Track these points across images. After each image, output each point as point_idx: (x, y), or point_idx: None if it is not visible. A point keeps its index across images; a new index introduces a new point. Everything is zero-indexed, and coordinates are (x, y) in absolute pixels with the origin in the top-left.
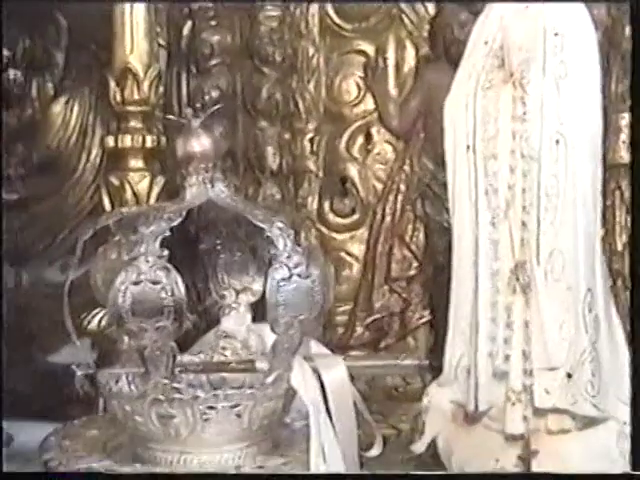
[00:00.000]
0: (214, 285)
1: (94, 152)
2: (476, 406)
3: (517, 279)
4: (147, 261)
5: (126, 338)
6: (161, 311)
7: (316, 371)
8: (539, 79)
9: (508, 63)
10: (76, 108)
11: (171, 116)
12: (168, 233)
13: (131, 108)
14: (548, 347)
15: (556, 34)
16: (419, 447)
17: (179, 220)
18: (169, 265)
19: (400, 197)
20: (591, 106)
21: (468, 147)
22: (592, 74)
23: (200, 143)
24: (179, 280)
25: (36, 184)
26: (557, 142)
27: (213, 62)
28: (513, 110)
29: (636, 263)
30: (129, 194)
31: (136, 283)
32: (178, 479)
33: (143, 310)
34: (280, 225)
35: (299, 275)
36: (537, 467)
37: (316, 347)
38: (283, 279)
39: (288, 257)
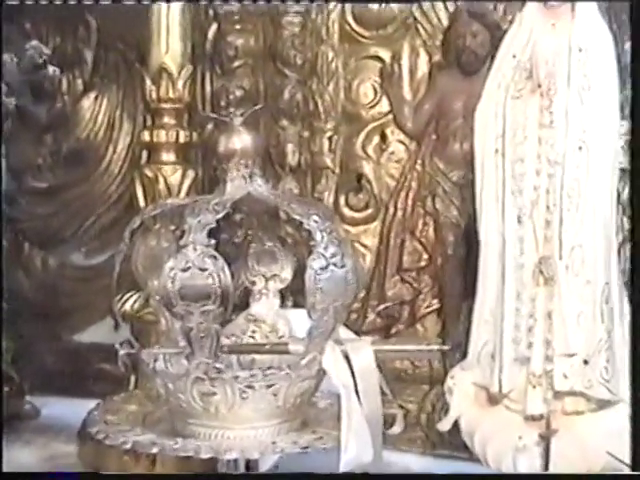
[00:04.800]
0: (244, 272)
1: (120, 145)
2: (500, 388)
3: (541, 272)
4: (195, 249)
5: (164, 320)
6: (208, 296)
7: (346, 354)
8: (564, 90)
9: (536, 75)
10: (104, 103)
11: (214, 114)
12: (214, 224)
13: (166, 105)
14: (568, 335)
15: (580, 50)
16: (445, 425)
17: (224, 212)
18: (216, 253)
19: (411, 194)
20: (611, 116)
21: (497, 151)
22: (612, 87)
23: (241, 140)
24: (225, 267)
25: (65, 174)
26: (580, 148)
27: (237, 64)
28: (540, 118)
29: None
30: (162, 186)
31: (184, 270)
32: (178, 479)
33: (191, 295)
34: (316, 218)
35: (335, 265)
36: (556, 444)
37: (344, 332)
38: (321, 268)
39: (325, 248)
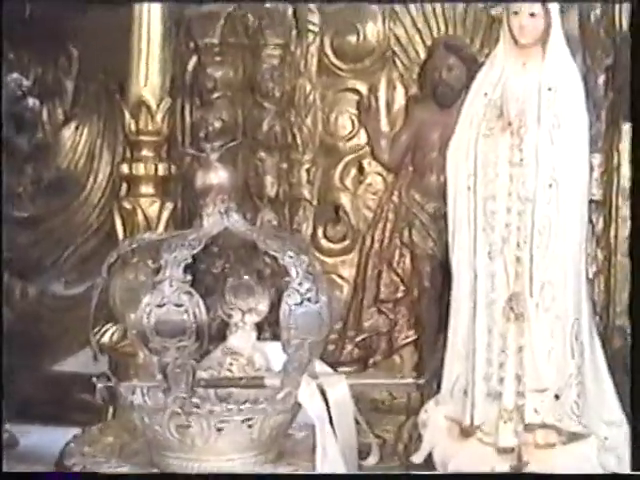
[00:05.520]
0: (221, 305)
1: (101, 175)
2: (472, 422)
3: (511, 309)
4: (171, 285)
5: (142, 354)
6: (183, 332)
7: (321, 388)
8: (534, 129)
9: (506, 113)
10: (85, 133)
11: (191, 150)
12: (190, 260)
13: (144, 138)
14: (539, 371)
15: (550, 89)
16: (418, 458)
17: (200, 248)
18: (192, 289)
19: (388, 225)
20: (580, 154)
21: (469, 188)
22: (581, 125)
23: (217, 175)
24: (201, 303)
25: (45, 203)
26: (550, 186)
27: (216, 95)
28: (511, 156)
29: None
30: (140, 218)
31: (160, 305)
32: (180, 479)
33: (166, 330)
34: (291, 254)
35: (309, 300)
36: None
37: (320, 366)
38: (295, 304)
39: (300, 284)
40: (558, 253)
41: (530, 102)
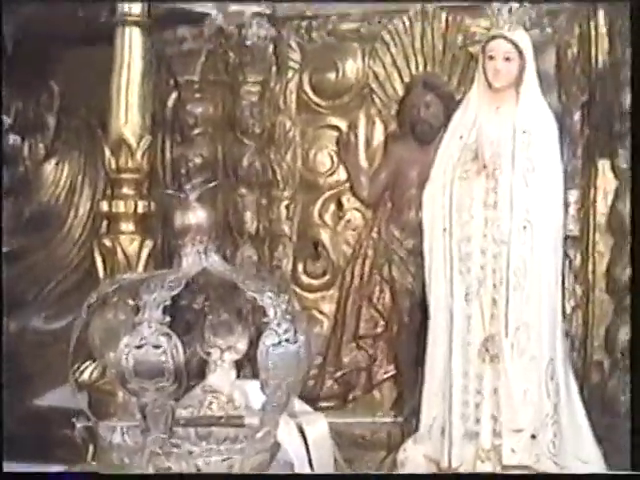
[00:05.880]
0: (200, 343)
1: (81, 210)
2: (449, 462)
3: (487, 350)
4: (150, 327)
5: (121, 394)
6: (162, 373)
7: (300, 427)
8: (509, 172)
9: (481, 156)
10: (66, 168)
11: (169, 190)
12: (169, 302)
13: (124, 176)
14: (515, 411)
15: (524, 132)
16: None
17: (179, 289)
18: (170, 331)
19: (368, 261)
20: (554, 196)
21: (444, 230)
22: (555, 168)
23: (196, 216)
24: (179, 345)
25: (26, 238)
26: (524, 228)
27: (196, 132)
28: (486, 199)
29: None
30: (120, 256)
31: (139, 347)
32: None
33: (145, 372)
34: (270, 294)
35: (287, 341)
36: None
37: (299, 405)
38: (273, 345)
39: (278, 324)
40: (533, 294)
41: (504, 145)
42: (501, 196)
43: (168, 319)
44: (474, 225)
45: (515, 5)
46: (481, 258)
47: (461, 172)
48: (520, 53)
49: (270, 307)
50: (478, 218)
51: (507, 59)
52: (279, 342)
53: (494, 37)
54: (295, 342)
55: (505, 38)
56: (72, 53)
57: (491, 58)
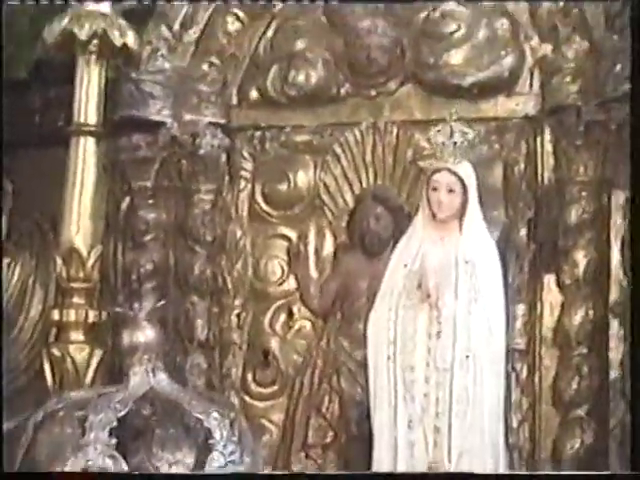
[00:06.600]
0: (149, 458)
1: (33, 312)
2: None
3: None
4: (95, 448)
5: None
6: None
7: None
8: (452, 301)
9: (425, 285)
10: (17, 270)
11: (119, 308)
12: (115, 423)
13: (75, 285)
14: None
15: (467, 262)
16: None
17: (125, 411)
18: (116, 453)
19: (317, 371)
20: (497, 325)
21: (389, 357)
22: (498, 298)
23: (144, 334)
24: (125, 466)
25: None
26: (467, 357)
27: (148, 237)
28: (429, 328)
29: None
30: (69, 365)
31: (85, 469)
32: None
33: None
34: (216, 416)
35: (233, 462)
36: None
37: None
38: (219, 467)
39: (224, 446)
40: (476, 421)
41: (447, 275)
42: (444, 325)
43: (114, 441)
44: (418, 354)
45: (460, 139)
46: (425, 386)
47: (405, 300)
48: (463, 185)
49: (216, 429)
50: (421, 347)
51: (451, 191)
52: (225, 464)
53: (438, 169)
54: (241, 463)
55: (449, 171)
56: (28, 154)
57: (435, 189)
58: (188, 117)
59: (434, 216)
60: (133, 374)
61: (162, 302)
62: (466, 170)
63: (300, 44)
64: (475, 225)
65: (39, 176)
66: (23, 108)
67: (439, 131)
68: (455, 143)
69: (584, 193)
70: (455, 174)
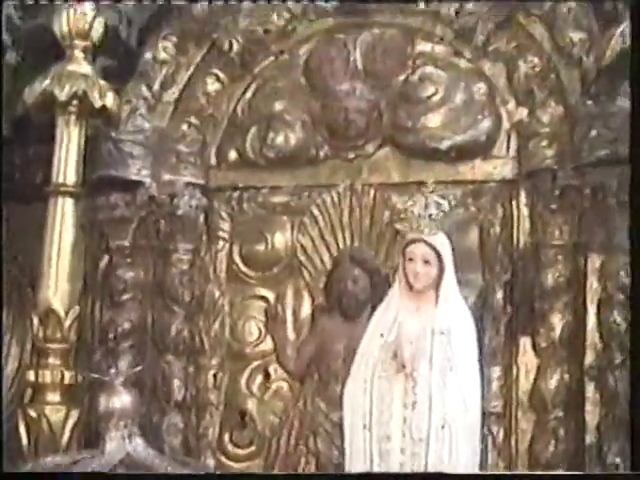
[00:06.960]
0: None
1: (9, 367)
2: None
3: None
4: None
5: None
6: None
7: None
8: (427, 372)
9: (400, 356)
10: None
11: (96, 374)
12: None
13: (52, 346)
14: None
15: (442, 333)
16: None
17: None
18: None
19: (294, 432)
20: (472, 395)
21: (364, 426)
22: (473, 367)
23: (121, 400)
24: None
25: None
26: (442, 427)
27: (126, 297)
28: (404, 398)
29: None
30: (45, 425)
31: None
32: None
33: None
34: None
35: None
36: None
37: None
38: None
39: None
40: None
41: (423, 345)
42: (420, 396)
43: None
44: (394, 424)
45: (435, 211)
46: (400, 456)
47: (381, 370)
48: (439, 256)
49: None
50: (397, 417)
51: (426, 262)
52: None
53: (414, 240)
54: None
55: (425, 242)
56: (7, 207)
57: (411, 260)
58: (167, 177)
59: (411, 287)
60: (109, 439)
61: (139, 367)
62: (442, 242)
63: (279, 105)
64: (451, 295)
65: (18, 232)
66: (4, 165)
67: (414, 203)
68: (430, 215)
69: (560, 256)
70: (430, 245)
